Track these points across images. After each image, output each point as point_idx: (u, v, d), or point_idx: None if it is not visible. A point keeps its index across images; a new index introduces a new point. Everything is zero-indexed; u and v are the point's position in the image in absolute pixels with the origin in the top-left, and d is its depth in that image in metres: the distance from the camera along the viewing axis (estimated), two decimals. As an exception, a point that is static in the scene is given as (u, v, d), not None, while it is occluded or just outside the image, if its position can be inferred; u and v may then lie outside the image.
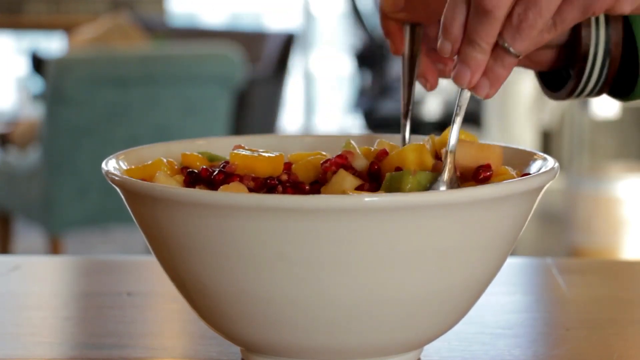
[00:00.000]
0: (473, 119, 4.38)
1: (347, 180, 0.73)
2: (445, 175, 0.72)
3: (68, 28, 5.19)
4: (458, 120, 0.73)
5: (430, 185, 0.72)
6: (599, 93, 0.87)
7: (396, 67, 4.89)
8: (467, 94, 0.72)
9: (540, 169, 0.75)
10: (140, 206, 0.70)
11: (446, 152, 0.73)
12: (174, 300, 0.92)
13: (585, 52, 0.84)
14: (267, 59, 4.20)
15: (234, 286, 0.68)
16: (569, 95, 0.87)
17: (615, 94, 0.88)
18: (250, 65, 4.04)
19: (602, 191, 3.66)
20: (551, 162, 0.75)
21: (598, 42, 0.83)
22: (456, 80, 0.71)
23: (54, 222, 3.22)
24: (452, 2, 0.70)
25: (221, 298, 0.69)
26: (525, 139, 3.97)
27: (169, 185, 0.73)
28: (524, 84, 3.99)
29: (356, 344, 0.70)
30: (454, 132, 0.73)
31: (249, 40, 4.34)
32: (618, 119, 4.32)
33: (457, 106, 0.72)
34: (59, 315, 0.92)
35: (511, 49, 0.69)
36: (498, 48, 0.70)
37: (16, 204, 3.46)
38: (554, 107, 4.12)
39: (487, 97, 0.72)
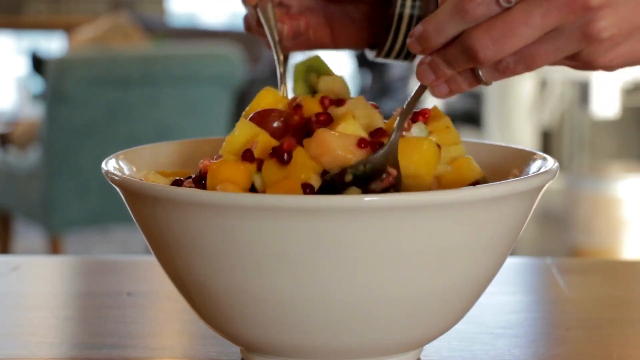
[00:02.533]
0: (473, 119, 4.38)
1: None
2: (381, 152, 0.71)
3: (68, 28, 5.19)
4: (408, 105, 0.72)
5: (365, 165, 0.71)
6: (407, 58, 0.86)
7: (396, 67, 4.89)
8: (423, 89, 0.72)
9: (540, 169, 0.75)
10: (140, 206, 0.70)
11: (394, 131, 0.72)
12: (174, 300, 0.92)
13: (392, 12, 0.84)
14: (267, 59, 4.20)
15: (234, 286, 0.68)
16: (378, 55, 0.87)
17: None
18: (250, 65, 4.04)
19: (602, 191, 3.66)
20: (551, 162, 0.75)
21: (404, 4, 0.83)
22: (418, 77, 0.71)
23: (54, 222, 3.22)
24: (445, 14, 0.68)
25: (221, 298, 0.69)
26: (525, 139, 3.97)
27: (169, 185, 0.73)
28: (524, 84, 3.99)
29: (356, 344, 0.70)
30: (400, 119, 0.72)
31: (249, 40, 4.34)
32: (618, 119, 4.32)
33: (411, 96, 0.72)
34: (59, 315, 0.92)
35: (483, 79, 0.70)
36: (470, 70, 0.70)
37: (16, 204, 3.46)
38: (554, 107, 4.12)
39: (440, 97, 0.72)
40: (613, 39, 0.67)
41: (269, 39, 0.85)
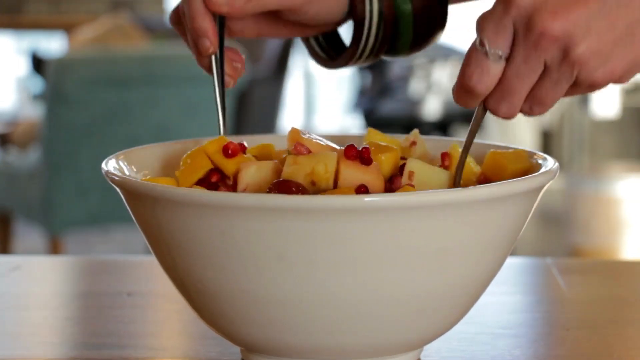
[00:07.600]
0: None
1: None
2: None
3: (68, 28, 5.19)
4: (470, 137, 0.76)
5: None
6: (376, 56, 0.88)
7: (396, 67, 4.89)
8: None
9: (540, 169, 0.75)
10: (140, 206, 0.70)
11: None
12: (174, 300, 0.92)
13: (362, 15, 0.84)
14: (267, 59, 4.20)
15: (234, 286, 0.68)
16: (349, 61, 0.88)
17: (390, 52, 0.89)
18: (250, 65, 4.04)
19: (602, 191, 3.66)
20: (551, 162, 0.75)
21: (372, 4, 0.84)
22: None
23: (54, 222, 3.22)
24: (460, 95, 0.73)
25: (221, 298, 0.69)
26: (525, 139, 3.97)
27: (169, 185, 0.73)
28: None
29: (356, 344, 0.70)
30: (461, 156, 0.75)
31: (249, 40, 4.34)
32: (618, 119, 4.32)
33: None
34: (59, 315, 0.92)
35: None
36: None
37: (16, 204, 3.46)
38: (554, 107, 4.12)
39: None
40: (598, 55, 0.68)
41: (216, 86, 0.91)
